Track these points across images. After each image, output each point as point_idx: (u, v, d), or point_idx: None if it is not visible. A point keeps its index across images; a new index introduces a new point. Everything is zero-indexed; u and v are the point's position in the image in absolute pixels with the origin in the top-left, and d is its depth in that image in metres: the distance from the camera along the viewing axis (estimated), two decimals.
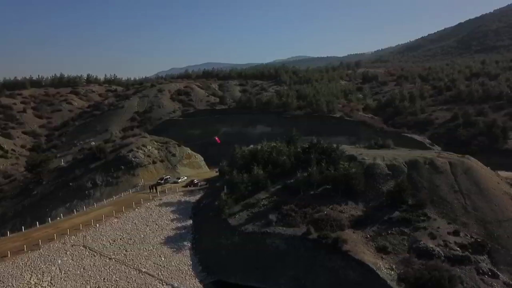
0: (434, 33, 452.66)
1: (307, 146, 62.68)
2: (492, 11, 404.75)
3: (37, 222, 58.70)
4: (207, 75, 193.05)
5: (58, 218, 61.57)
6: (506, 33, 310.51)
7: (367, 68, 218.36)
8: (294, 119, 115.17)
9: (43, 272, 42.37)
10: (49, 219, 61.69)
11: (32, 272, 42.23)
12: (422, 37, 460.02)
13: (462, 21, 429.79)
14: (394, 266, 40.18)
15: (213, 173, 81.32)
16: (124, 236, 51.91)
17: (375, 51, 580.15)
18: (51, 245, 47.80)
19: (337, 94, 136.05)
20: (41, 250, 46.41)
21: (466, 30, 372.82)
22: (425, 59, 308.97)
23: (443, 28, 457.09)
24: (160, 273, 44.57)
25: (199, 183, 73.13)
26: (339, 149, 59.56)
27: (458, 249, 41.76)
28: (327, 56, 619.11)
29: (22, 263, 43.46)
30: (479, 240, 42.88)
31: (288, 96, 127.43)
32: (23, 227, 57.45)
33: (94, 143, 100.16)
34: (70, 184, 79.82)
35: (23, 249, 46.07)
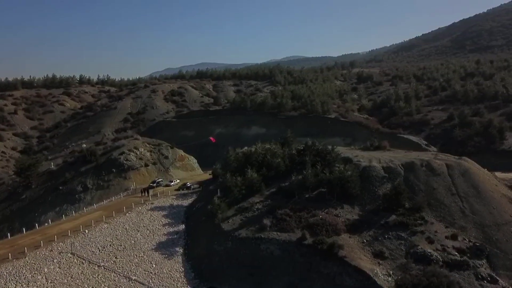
0: (428, 32, 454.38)
1: (302, 148, 61.69)
2: (485, 11, 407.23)
3: (24, 228, 57.07)
4: (201, 75, 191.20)
5: (46, 224, 59.89)
6: (500, 32, 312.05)
7: (361, 68, 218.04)
8: (289, 120, 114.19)
9: (28, 282, 40.81)
10: (37, 224, 60.04)
11: (16, 281, 40.67)
12: (416, 36, 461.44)
13: (456, 21, 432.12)
14: (391, 272, 39.35)
15: (207, 175, 79.99)
16: (114, 242, 50.45)
17: (369, 51, 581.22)
18: (38, 252, 46.18)
19: (332, 95, 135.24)
20: (26, 258, 44.81)
21: (460, 30, 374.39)
22: (419, 59, 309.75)
23: (437, 28, 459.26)
24: (151, 281, 43.30)
25: (192, 186, 71.82)
26: (334, 151, 58.55)
27: (457, 253, 41.02)
28: (321, 56, 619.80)
29: (7, 272, 41.84)
30: (477, 244, 42.14)
31: (282, 96, 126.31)
32: (9, 233, 55.63)
33: (85, 146, 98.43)
34: (60, 188, 78.09)
35: (8, 257, 44.43)
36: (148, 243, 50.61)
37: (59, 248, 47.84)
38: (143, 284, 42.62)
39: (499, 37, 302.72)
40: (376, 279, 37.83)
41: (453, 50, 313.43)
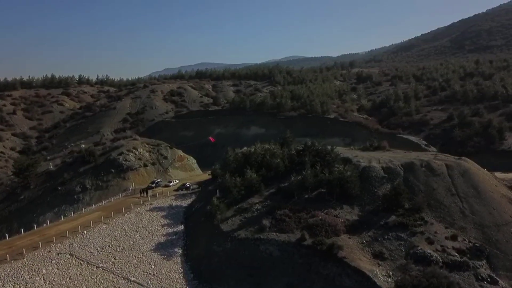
0: (428, 32, 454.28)
1: (301, 148, 61.54)
2: (484, 11, 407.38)
3: (23, 229, 56.82)
4: (201, 75, 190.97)
5: (45, 225, 59.70)
6: (499, 33, 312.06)
7: (361, 68, 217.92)
8: (288, 120, 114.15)
9: (26, 283, 40.65)
10: (35, 225, 59.76)
11: (14, 283, 40.51)
12: (416, 37, 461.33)
13: (455, 21, 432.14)
14: (391, 273, 39.11)
15: (206, 175, 79.86)
16: (112, 243, 50.27)
17: (369, 51, 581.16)
18: (36, 253, 46.05)
19: (332, 95, 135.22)
20: (25, 259, 44.69)
21: (459, 30, 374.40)
22: (418, 59, 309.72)
23: (436, 28, 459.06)
24: (149, 282, 43.06)
25: (191, 187, 71.68)
26: (334, 151, 58.40)
27: (456, 254, 40.79)
28: (321, 56, 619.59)
29: (4, 274, 41.69)
30: (477, 245, 41.97)
31: (282, 97, 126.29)
32: (7, 234, 55.42)
33: (84, 146, 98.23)
34: (59, 188, 77.95)
35: (6, 259, 44.27)
36: (147, 244, 50.40)
37: (58, 249, 47.69)
38: (142, 285, 42.42)
39: (498, 37, 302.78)
40: (375, 280, 37.64)
41: (453, 50, 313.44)
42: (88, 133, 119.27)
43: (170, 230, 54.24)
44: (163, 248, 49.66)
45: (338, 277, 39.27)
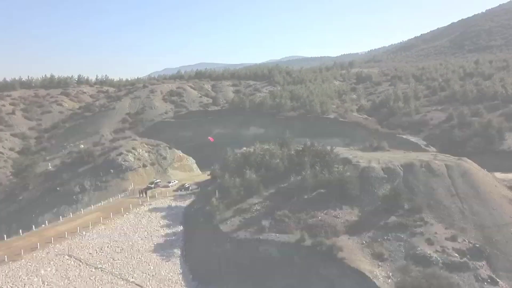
0: (427, 32, 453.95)
1: (301, 148, 61.45)
2: (484, 11, 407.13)
3: (21, 230, 56.47)
4: (200, 75, 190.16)
5: (43, 225, 59.44)
6: (499, 33, 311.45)
7: (360, 68, 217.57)
8: (288, 120, 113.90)
9: (24, 284, 40.57)
10: (34, 226, 59.47)
11: (13, 284, 40.41)
12: (415, 36, 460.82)
13: (455, 21, 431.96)
14: (391, 274, 39.05)
15: (205, 176, 79.70)
16: (111, 244, 50.18)
17: (368, 51, 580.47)
18: (34, 254, 45.89)
19: (331, 95, 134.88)
20: (23, 260, 44.52)
21: (458, 30, 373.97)
22: (418, 59, 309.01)
23: (435, 28, 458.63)
24: (148, 283, 43.13)
25: (190, 187, 71.55)
26: (333, 151, 58.36)
27: (456, 255, 40.78)
28: (320, 56, 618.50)
29: (3, 275, 41.55)
30: (477, 245, 41.96)
31: (281, 97, 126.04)
32: (5, 235, 55.12)
33: (83, 146, 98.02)
34: (58, 189, 77.74)
35: (4, 260, 44.06)
36: (146, 245, 50.38)
37: (56, 250, 47.55)
38: (141, 286, 42.44)
39: (498, 37, 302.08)
40: (375, 281, 37.56)
41: (452, 50, 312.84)
42: (87, 133, 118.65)
43: (169, 231, 54.16)
44: (162, 249, 49.62)
45: (338, 278, 39.24)
